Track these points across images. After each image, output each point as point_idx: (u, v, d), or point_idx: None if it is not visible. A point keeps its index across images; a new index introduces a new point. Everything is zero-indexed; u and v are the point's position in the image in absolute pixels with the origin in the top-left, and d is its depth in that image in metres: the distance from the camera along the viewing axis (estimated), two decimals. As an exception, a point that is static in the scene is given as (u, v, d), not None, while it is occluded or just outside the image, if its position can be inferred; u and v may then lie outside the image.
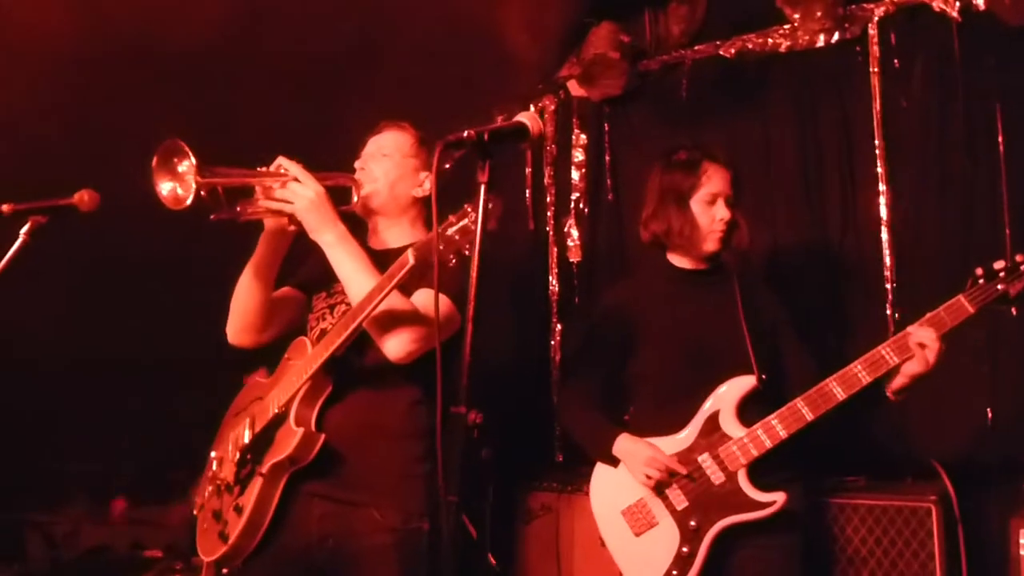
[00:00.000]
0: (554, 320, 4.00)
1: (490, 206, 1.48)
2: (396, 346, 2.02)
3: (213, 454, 2.34)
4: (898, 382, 2.24)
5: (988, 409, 2.97)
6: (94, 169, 2.34)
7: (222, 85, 3.21)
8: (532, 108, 4.07)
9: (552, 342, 3.98)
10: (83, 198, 2.29)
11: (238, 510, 2.16)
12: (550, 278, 4.03)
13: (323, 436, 2.07)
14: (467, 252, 1.59)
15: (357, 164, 2.30)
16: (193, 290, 3.62)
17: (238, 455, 2.19)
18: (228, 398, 2.49)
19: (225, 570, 2.94)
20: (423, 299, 2.07)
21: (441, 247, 1.66)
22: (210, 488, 2.30)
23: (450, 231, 1.66)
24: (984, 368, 2.98)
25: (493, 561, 2.98)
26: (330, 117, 3.47)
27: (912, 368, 2.20)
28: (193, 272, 3.58)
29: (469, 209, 1.62)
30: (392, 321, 2.00)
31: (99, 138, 3.02)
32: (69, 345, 3.50)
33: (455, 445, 1.40)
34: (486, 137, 1.43)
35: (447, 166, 2.37)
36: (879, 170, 3.23)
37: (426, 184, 2.31)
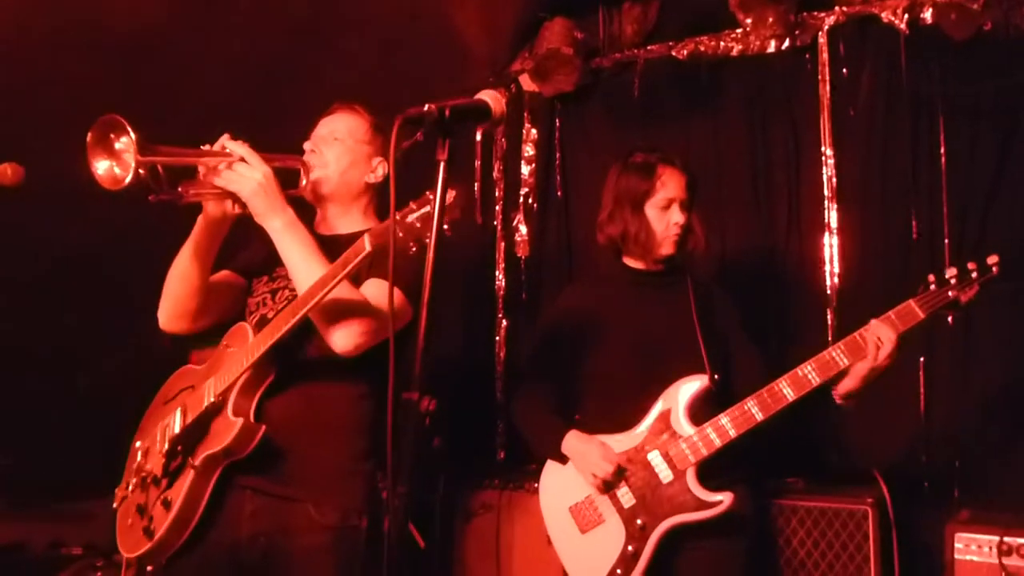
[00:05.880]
0: (500, 315, 3.96)
1: (450, 196, 1.42)
2: (343, 338, 1.93)
3: (138, 444, 2.22)
4: (846, 385, 2.25)
5: (923, 418, 3.03)
6: (23, 149, 2.21)
7: (166, 64, 3.07)
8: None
9: (497, 337, 3.94)
10: (5, 172, 2.16)
11: (166, 504, 2.05)
12: (497, 273, 3.98)
13: (263, 428, 1.97)
14: (428, 240, 1.52)
15: (307, 146, 2.20)
16: (113, 279, 3.47)
17: (167, 446, 2.07)
18: (151, 389, 2.36)
19: (150, 567, 2.80)
20: (374, 290, 1.99)
21: (401, 234, 1.58)
22: (134, 480, 2.17)
23: (411, 218, 1.58)
24: (919, 377, 3.05)
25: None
26: (277, 101, 3.36)
27: (862, 369, 2.21)
28: (114, 260, 3.43)
29: (431, 196, 1.54)
30: (340, 312, 1.91)
31: (32, 118, 2.86)
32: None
33: (407, 433, 1.33)
34: (447, 113, 1.37)
35: (404, 146, 2.31)
36: (825, 175, 3.28)
37: (379, 171, 2.23)
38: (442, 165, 1.37)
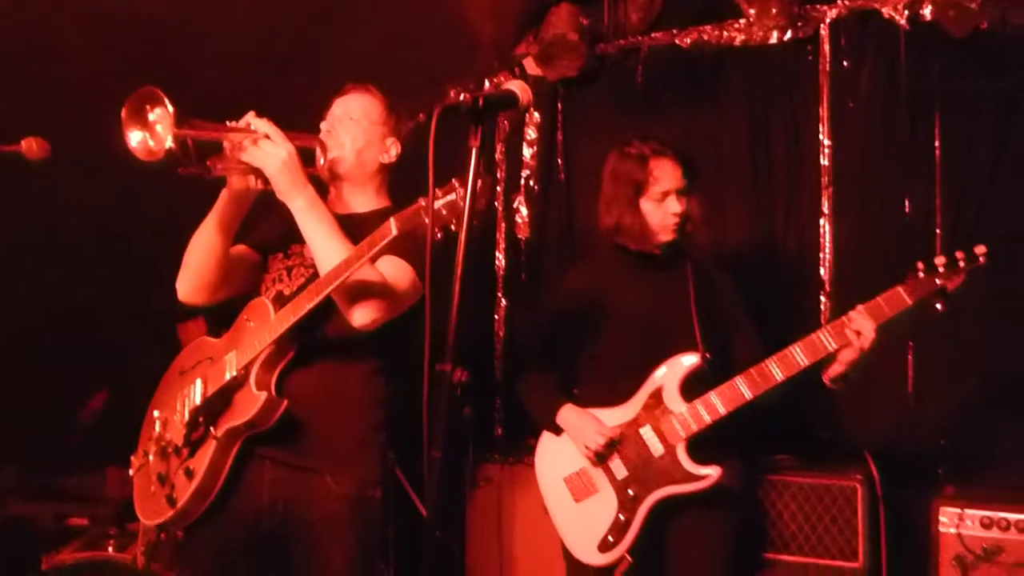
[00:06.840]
0: (499, 295, 4.02)
1: (480, 184, 1.49)
2: (362, 315, 1.99)
3: (156, 414, 2.27)
4: (834, 369, 2.35)
5: (911, 399, 3.14)
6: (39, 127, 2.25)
7: (180, 46, 3.10)
8: (487, 84, 4.07)
9: (496, 317, 4.01)
10: (31, 146, 2.20)
11: (188, 474, 2.11)
12: (497, 253, 4.05)
13: (286, 402, 2.04)
14: (454, 227, 1.59)
15: (323, 126, 2.25)
16: (119, 253, 3.51)
17: (188, 416, 2.14)
18: (150, 364, 2.43)
19: (163, 535, 2.87)
20: (389, 268, 2.05)
21: (428, 220, 1.65)
22: (153, 449, 2.23)
23: (437, 204, 1.65)
24: (908, 359, 3.15)
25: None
26: (283, 84, 3.38)
27: (847, 355, 2.30)
28: (119, 233, 3.47)
29: (457, 184, 1.61)
30: (361, 291, 1.98)
31: (49, 96, 2.89)
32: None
33: (439, 402, 1.40)
34: (481, 103, 1.44)
35: (409, 126, 2.36)
36: (823, 164, 3.36)
37: (392, 151, 2.29)
38: (474, 151, 1.44)
